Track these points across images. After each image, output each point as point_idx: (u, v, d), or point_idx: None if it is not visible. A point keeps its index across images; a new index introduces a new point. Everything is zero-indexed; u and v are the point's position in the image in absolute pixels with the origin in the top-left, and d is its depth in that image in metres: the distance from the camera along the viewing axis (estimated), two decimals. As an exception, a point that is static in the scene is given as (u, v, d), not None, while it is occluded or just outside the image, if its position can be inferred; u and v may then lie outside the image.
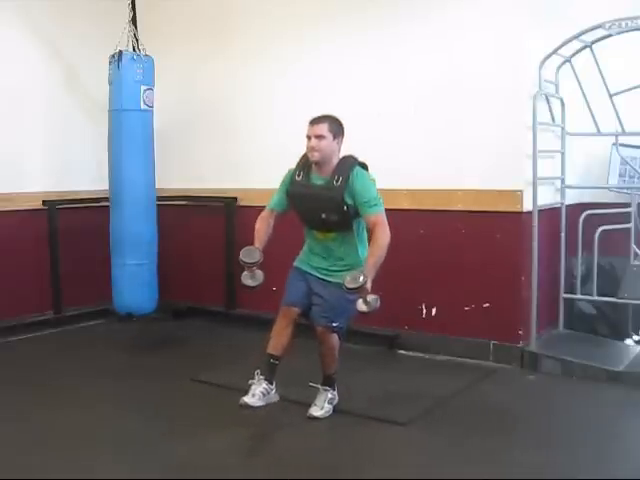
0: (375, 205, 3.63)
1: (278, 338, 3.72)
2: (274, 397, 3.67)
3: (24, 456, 3.42)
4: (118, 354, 5.15)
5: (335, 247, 3.75)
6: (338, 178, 3.65)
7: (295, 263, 3.90)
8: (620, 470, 3.28)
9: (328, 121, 3.71)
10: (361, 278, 3.35)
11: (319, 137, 3.66)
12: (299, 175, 3.78)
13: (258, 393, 3.58)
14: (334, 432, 3.74)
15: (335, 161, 3.72)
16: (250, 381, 3.64)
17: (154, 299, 5.32)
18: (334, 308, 3.68)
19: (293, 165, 3.88)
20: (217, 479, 3.20)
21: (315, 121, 3.72)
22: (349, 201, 3.64)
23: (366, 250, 3.70)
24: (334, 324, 3.70)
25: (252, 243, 3.76)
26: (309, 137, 3.70)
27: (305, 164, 3.78)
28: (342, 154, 3.77)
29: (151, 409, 4.07)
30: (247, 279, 3.70)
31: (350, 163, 3.72)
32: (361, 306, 3.43)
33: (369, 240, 3.70)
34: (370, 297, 3.41)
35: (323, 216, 3.68)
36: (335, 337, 3.76)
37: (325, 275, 3.76)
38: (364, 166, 3.77)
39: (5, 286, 5.51)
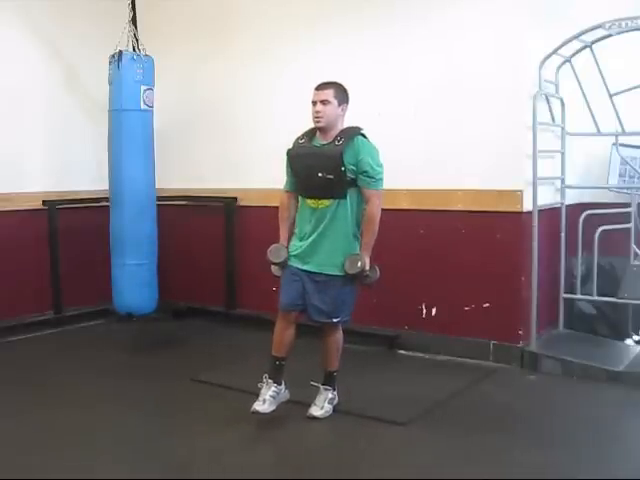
0: (377, 179, 3.67)
1: (280, 339, 3.74)
2: (284, 396, 3.76)
3: (24, 456, 3.42)
4: (118, 354, 5.15)
5: (327, 222, 3.68)
6: (340, 139, 3.68)
7: (288, 260, 3.81)
8: (620, 470, 3.28)
9: (334, 87, 3.73)
10: (359, 263, 3.58)
11: (324, 102, 3.69)
12: (302, 139, 3.82)
13: (268, 398, 3.64)
14: (334, 432, 3.74)
15: (339, 127, 3.74)
16: (259, 384, 3.68)
17: (154, 299, 5.32)
18: (332, 302, 3.69)
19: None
20: (217, 479, 3.20)
21: (321, 87, 3.74)
22: (347, 162, 3.63)
23: (358, 241, 3.72)
24: (334, 319, 3.73)
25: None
26: (314, 102, 3.71)
27: (310, 132, 3.81)
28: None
29: (151, 409, 4.07)
30: (276, 271, 3.83)
31: (354, 130, 3.74)
32: (363, 281, 3.65)
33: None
34: (370, 272, 3.61)
35: (320, 174, 3.65)
36: (339, 330, 3.80)
37: (318, 267, 3.70)
38: (366, 137, 3.79)
39: (5, 286, 5.51)
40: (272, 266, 3.82)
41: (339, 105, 3.71)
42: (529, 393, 4.37)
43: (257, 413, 3.62)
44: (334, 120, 3.71)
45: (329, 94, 3.69)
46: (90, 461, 3.36)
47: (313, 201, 3.73)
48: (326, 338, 3.80)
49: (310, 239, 3.72)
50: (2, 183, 5.54)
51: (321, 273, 3.70)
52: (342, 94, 3.74)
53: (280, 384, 3.71)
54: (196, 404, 4.11)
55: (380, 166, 3.69)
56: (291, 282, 3.76)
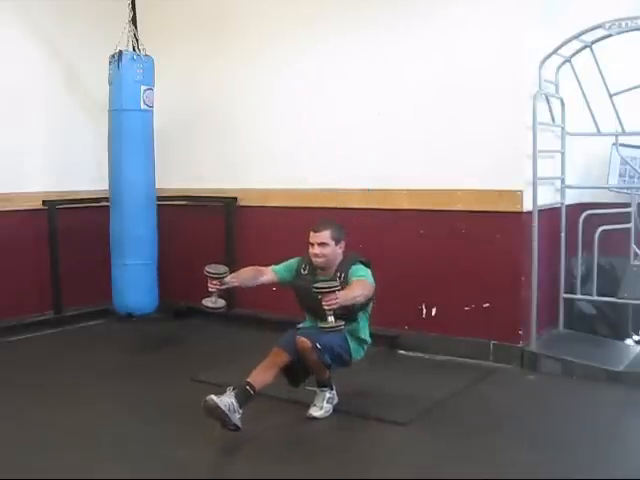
0: (365, 277, 3.73)
1: (261, 374, 3.63)
2: (237, 420, 3.45)
3: (24, 456, 3.42)
4: (118, 354, 5.15)
5: None
6: (340, 274, 3.77)
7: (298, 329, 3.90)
8: (620, 470, 3.28)
9: (330, 228, 3.83)
10: (332, 283, 3.48)
11: (322, 245, 3.78)
12: (305, 269, 3.88)
13: (226, 401, 3.45)
14: (334, 432, 3.74)
15: (338, 261, 3.84)
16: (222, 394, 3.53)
17: (154, 299, 5.33)
18: (323, 338, 3.61)
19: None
20: (217, 479, 3.20)
21: (317, 229, 3.83)
22: None
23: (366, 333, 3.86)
24: (318, 345, 3.63)
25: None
26: (312, 244, 3.80)
27: (311, 262, 3.87)
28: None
29: (151, 409, 4.07)
30: (207, 301, 3.72)
31: (352, 259, 3.84)
32: (323, 322, 3.46)
33: None
34: (334, 317, 3.42)
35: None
36: (316, 357, 3.68)
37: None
38: (365, 263, 3.85)
39: (5, 286, 5.51)
40: (204, 300, 3.70)
41: (336, 244, 3.83)
42: (529, 393, 4.37)
43: (210, 401, 3.42)
44: (333, 259, 3.83)
45: (326, 236, 3.79)
46: (90, 461, 3.36)
47: (324, 323, 3.72)
48: (304, 357, 3.68)
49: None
50: (2, 183, 5.54)
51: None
52: (338, 233, 3.85)
53: (241, 408, 3.50)
54: (196, 404, 4.10)
55: (369, 275, 3.76)
56: (295, 331, 3.80)
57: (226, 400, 3.47)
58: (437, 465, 3.32)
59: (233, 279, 3.79)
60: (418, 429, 3.71)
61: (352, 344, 3.82)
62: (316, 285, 3.47)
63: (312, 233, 3.83)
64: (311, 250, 3.81)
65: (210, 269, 3.70)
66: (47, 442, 3.58)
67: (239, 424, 3.46)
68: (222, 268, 3.73)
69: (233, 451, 3.50)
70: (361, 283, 3.69)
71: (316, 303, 3.59)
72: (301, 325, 3.96)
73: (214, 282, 3.71)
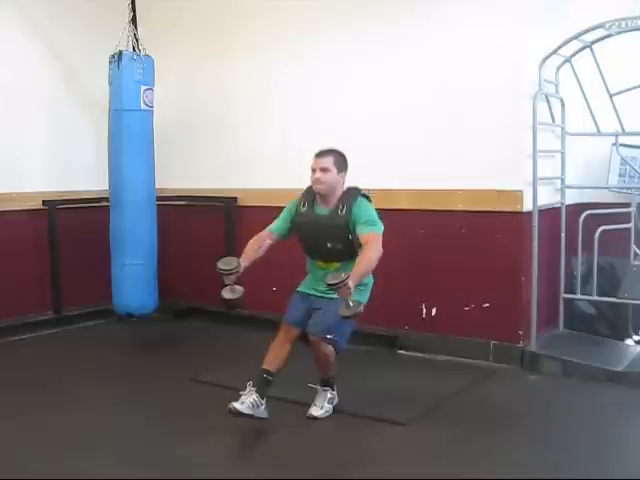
0: (373, 225, 3.66)
1: (274, 353, 3.70)
2: (263, 413, 3.59)
3: (23, 456, 3.42)
4: (118, 354, 5.15)
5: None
6: (342, 208, 3.71)
7: (297, 288, 3.91)
8: (620, 470, 3.28)
9: (333, 155, 3.76)
10: (343, 275, 3.37)
11: (324, 170, 3.72)
12: (304, 206, 3.84)
13: (247, 402, 3.54)
14: (334, 432, 3.73)
15: (339, 193, 3.78)
16: (241, 392, 3.61)
17: (154, 299, 5.32)
18: (330, 320, 3.64)
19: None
20: (217, 479, 3.20)
21: (320, 154, 3.77)
22: (352, 228, 3.67)
23: (364, 287, 3.73)
24: (328, 335, 3.66)
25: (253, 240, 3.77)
26: (314, 170, 3.75)
27: (309, 196, 3.83)
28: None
29: (151, 409, 4.07)
30: (226, 292, 3.65)
31: (353, 194, 3.78)
32: (343, 310, 3.41)
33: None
34: (352, 301, 3.39)
35: (329, 245, 3.73)
36: (329, 348, 3.71)
37: (327, 293, 3.73)
38: (367, 197, 3.81)
39: (5, 286, 5.51)
40: (223, 290, 3.64)
41: (338, 172, 3.76)
42: (529, 393, 4.37)
43: (235, 410, 3.49)
44: (334, 187, 3.76)
45: (329, 162, 3.73)
46: (90, 461, 3.36)
47: (323, 263, 3.80)
48: (316, 352, 3.73)
49: (320, 286, 3.75)
50: (2, 183, 5.54)
51: (325, 297, 3.73)
52: (341, 162, 3.78)
53: (263, 397, 3.59)
54: (196, 404, 4.11)
55: (377, 216, 3.70)
56: (300, 301, 3.82)
57: (248, 400, 3.53)
58: (437, 465, 3.32)
59: (244, 262, 3.69)
60: (418, 429, 3.71)
61: (357, 295, 3.58)
62: (328, 282, 3.38)
63: (314, 159, 3.76)
64: (312, 176, 3.74)
65: (222, 265, 3.62)
66: (47, 442, 3.58)
67: (266, 415, 3.59)
68: (233, 262, 3.65)
69: (233, 451, 3.50)
70: (372, 244, 3.55)
71: (317, 240, 3.64)
72: (300, 288, 3.89)
73: (229, 277, 3.64)
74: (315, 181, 3.74)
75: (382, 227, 3.69)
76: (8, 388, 4.34)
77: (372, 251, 3.55)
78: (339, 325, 3.66)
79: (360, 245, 3.65)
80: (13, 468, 3.27)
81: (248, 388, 3.60)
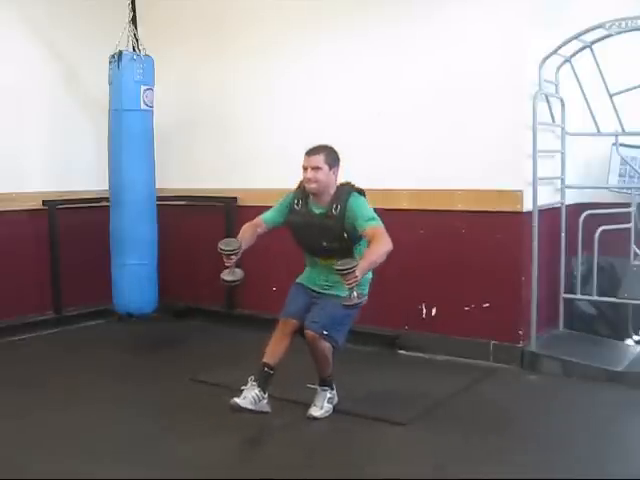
0: (372, 219, 3.65)
1: (274, 348, 3.71)
2: (265, 407, 3.61)
3: (23, 456, 3.42)
4: (118, 354, 5.15)
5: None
6: (336, 206, 3.68)
7: (297, 280, 3.91)
8: (620, 470, 3.28)
9: (324, 152, 3.73)
10: (353, 262, 3.38)
11: (315, 169, 3.69)
12: (298, 204, 3.81)
13: (249, 397, 3.55)
14: (334, 432, 3.73)
15: (332, 190, 3.75)
16: (242, 387, 3.61)
17: (154, 299, 5.32)
18: (328, 316, 3.66)
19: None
20: (217, 479, 3.20)
21: (311, 152, 3.74)
22: (349, 228, 3.66)
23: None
24: (325, 332, 3.66)
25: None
26: (305, 168, 3.73)
27: (303, 193, 3.81)
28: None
29: (151, 409, 4.07)
30: (226, 274, 3.67)
31: (347, 191, 3.75)
32: (347, 300, 3.44)
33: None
34: (356, 291, 3.41)
35: (324, 244, 3.72)
36: (326, 344, 3.70)
37: (326, 289, 3.77)
38: (361, 192, 3.79)
39: (5, 286, 5.51)
40: (222, 273, 3.66)
41: (330, 169, 3.72)
42: (529, 393, 4.37)
43: (236, 406, 3.50)
44: (326, 185, 3.72)
45: (320, 160, 3.69)
46: (90, 461, 3.36)
47: (321, 259, 3.80)
48: (312, 351, 3.72)
49: (322, 274, 3.78)
50: (2, 183, 5.53)
51: (328, 294, 3.74)
52: (332, 158, 3.75)
53: (264, 392, 3.61)
54: (196, 404, 4.11)
55: (373, 216, 3.67)
56: (298, 295, 3.82)
57: (249, 395, 3.55)
58: (437, 465, 3.32)
59: (240, 242, 3.71)
60: (418, 429, 3.71)
61: (358, 288, 3.58)
62: (337, 268, 3.37)
63: (305, 157, 3.73)
64: (304, 175, 3.72)
65: (224, 246, 3.63)
66: (47, 442, 3.58)
67: (268, 409, 3.61)
68: (234, 243, 3.66)
69: (233, 451, 3.50)
70: (382, 239, 3.52)
71: (312, 239, 3.64)
72: (299, 280, 3.89)
73: (230, 258, 3.65)
74: (307, 181, 3.72)
75: (380, 222, 3.67)
76: (8, 388, 4.34)
77: (382, 245, 3.52)
78: (337, 322, 3.67)
79: (360, 240, 3.65)
80: (13, 468, 3.27)
81: (250, 383, 3.61)
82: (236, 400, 3.53)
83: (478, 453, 3.43)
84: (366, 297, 3.57)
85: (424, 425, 3.77)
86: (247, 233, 3.83)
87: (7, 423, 3.80)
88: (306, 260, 3.94)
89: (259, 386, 3.60)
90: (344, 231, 3.67)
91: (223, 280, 3.68)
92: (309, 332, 3.66)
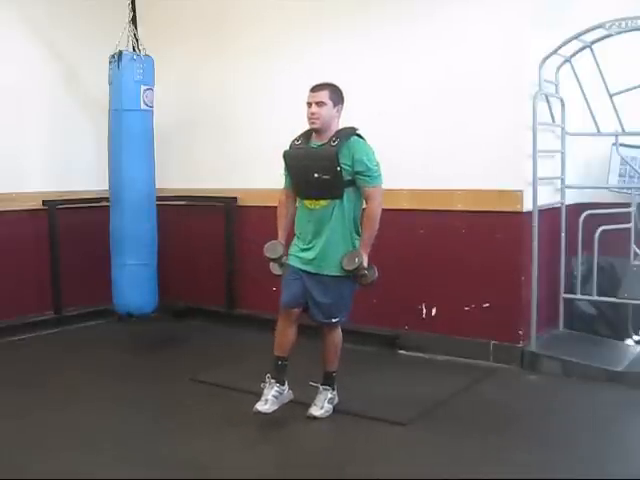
0: (375, 177, 3.68)
1: (282, 338, 3.75)
2: (287, 397, 3.75)
3: (23, 456, 3.42)
4: (118, 354, 5.15)
5: (326, 223, 3.69)
6: (335, 140, 3.68)
7: (288, 260, 3.84)
8: (620, 470, 3.28)
9: (329, 88, 3.74)
10: (357, 259, 3.56)
11: (319, 104, 3.70)
12: (298, 140, 3.83)
13: (271, 398, 3.65)
14: (334, 432, 3.74)
15: (334, 129, 3.75)
16: (262, 384, 3.68)
17: (154, 299, 5.32)
18: (331, 305, 3.72)
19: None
20: (217, 479, 3.20)
21: (316, 88, 3.75)
22: (343, 162, 3.64)
23: (358, 240, 3.72)
24: (333, 320, 3.75)
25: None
26: (309, 104, 3.73)
27: (306, 133, 3.82)
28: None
29: (151, 409, 4.07)
30: (275, 269, 3.84)
31: (349, 131, 3.75)
32: (361, 281, 3.64)
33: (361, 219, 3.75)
34: (368, 271, 3.58)
35: (315, 175, 3.67)
36: (338, 332, 3.82)
37: (318, 268, 3.72)
38: (362, 138, 3.78)
39: (5, 286, 5.51)
40: (270, 264, 3.84)
41: (334, 106, 3.73)
42: (529, 393, 4.37)
43: (259, 413, 3.62)
44: (329, 121, 3.72)
45: (324, 95, 3.70)
46: (90, 461, 3.36)
47: (310, 202, 3.76)
48: (325, 338, 3.82)
49: (309, 241, 3.75)
50: (2, 183, 5.53)
51: (321, 274, 3.71)
52: (337, 95, 3.75)
53: (283, 384, 3.72)
54: (196, 404, 4.11)
55: (376, 164, 3.70)
56: (292, 281, 3.78)
57: (270, 396, 3.66)
58: (437, 465, 3.32)
59: (283, 238, 3.86)
60: (418, 429, 3.71)
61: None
62: (345, 268, 3.58)
63: (310, 93, 3.74)
64: (308, 110, 3.73)
65: (270, 254, 3.79)
66: (47, 442, 3.58)
67: (291, 397, 3.77)
68: (279, 248, 3.80)
69: (233, 451, 3.50)
70: (374, 201, 3.67)
71: (305, 170, 3.67)
72: (290, 260, 3.81)
73: (275, 264, 3.83)
74: (311, 115, 3.72)
75: (381, 176, 3.71)
76: (8, 388, 4.34)
77: (373, 210, 3.66)
78: (339, 304, 3.74)
79: (351, 184, 3.68)
80: (13, 468, 3.27)
81: (268, 381, 3.68)
82: (258, 407, 3.62)
83: (478, 453, 3.43)
84: (375, 269, 3.66)
85: (424, 425, 3.77)
86: (283, 218, 3.89)
87: (7, 423, 3.80)
88: (297, 217, 3.86)
89: (277, 381, 3.69)
90: (337, 163, 3.63)
91: (276, 275, 3.85)
92: (320, 324, 3.77)
